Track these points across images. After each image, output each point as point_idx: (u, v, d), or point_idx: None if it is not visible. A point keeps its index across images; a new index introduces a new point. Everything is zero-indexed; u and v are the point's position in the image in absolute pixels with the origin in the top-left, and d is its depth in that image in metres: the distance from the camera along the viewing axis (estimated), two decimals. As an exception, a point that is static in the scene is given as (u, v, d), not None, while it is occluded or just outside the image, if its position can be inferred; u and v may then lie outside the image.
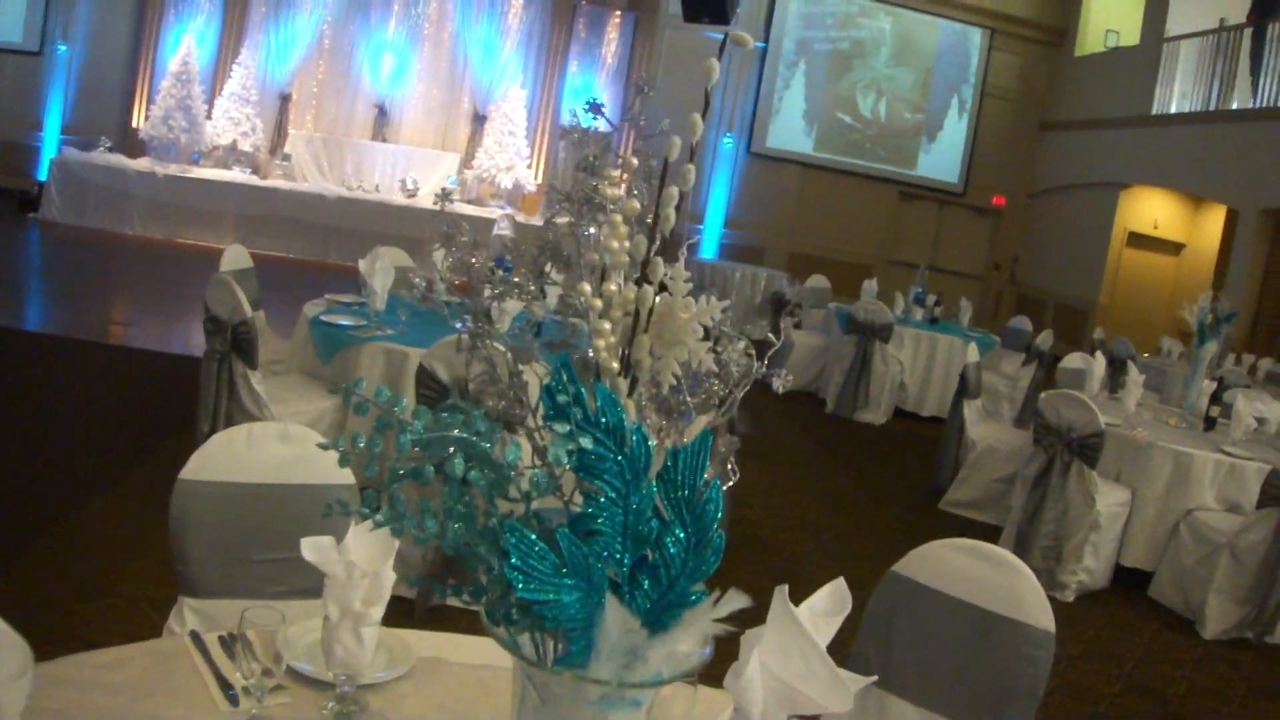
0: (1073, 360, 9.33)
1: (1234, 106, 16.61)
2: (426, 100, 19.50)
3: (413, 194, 17.55)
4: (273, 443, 2.76)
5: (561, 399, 1.31)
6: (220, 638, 2.12)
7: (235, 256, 6.66)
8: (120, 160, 17.20)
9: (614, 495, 1.29)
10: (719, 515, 1.31)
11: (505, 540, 1.26)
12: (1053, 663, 2.69)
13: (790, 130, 20.68)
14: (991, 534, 7.24)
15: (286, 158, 18.33)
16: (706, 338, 1.41)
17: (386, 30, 19.34)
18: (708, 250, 20.15)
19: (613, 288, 1.44)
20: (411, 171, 18.06)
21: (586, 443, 1.28)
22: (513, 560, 1.25)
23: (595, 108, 1.47)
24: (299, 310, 6.15)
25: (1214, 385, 8.08)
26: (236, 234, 16.33)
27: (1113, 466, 7.06)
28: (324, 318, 5.81)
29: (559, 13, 19.37)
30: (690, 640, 1.30)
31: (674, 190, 1.44)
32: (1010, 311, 19.96)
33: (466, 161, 18.88)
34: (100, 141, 17.79)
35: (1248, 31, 16.35)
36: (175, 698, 1.90)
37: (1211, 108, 17.07)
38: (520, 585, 1.25)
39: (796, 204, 20.64)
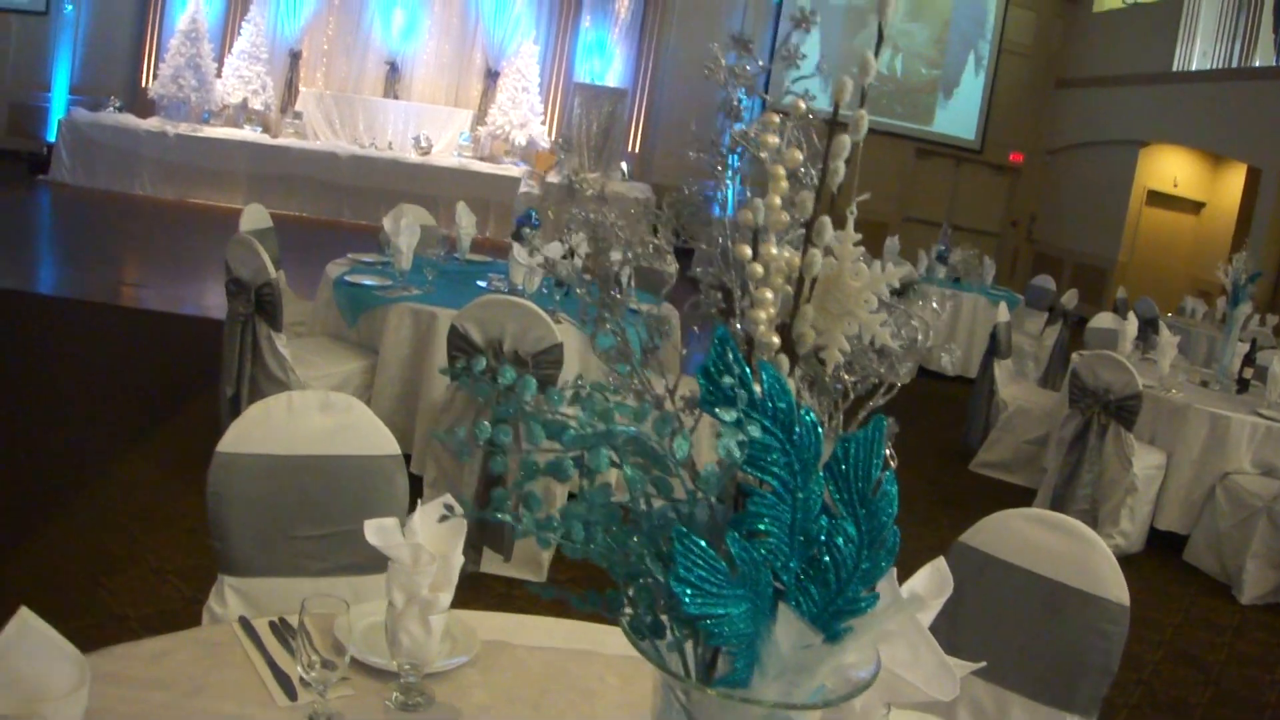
0: (1102, 320, 9.20)
1: (1256, 64, 16.40)
2: (438, 56, 19.33)
3: (426, 151, 17.43)
4: (313, 412, 2.62)
5: (727, 381, 1.12)
6: (271, 624, 1.99)
7: (254, 216, 6.53)
8: (130, 120, 17.08)
9: (781, 490, 1.11)
10: (894, 510, 1.15)
11: (671, 548, 1.08)
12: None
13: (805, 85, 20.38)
14: (1024, 496, 7.16)
15: (298, 116, 18.19)
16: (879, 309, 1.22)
17: (397, -15, 19.20)
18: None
19: (773, 251, 1.23)
20: (424, 129, 17.90)
21: (754, 431, 1.10)
22: (680, 571, 1.07)
23: (742, 43, 1.27)
24: (316, 271, 6.03)
25: (1246, 347, 7.95)
26: (248, 193, 16.26)
27: (1148, 429, 6.94)
28: (348, 278, 5.68)
29: (571, -35, 19.25)
30: (859, 651, 1.15)
31: (845, 139, 1.24)
32: (1028, 269, 19.82)
33: (480, 118, 18.74)
34: (109, 101, 17.67)
35: (1271, -13, 16.14)
36: (228, 692, 1.76)
37: (1233, 65, 16.87)
38: (688, 599, 1.07)
39: (814, 165, 20.41)
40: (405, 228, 5.64)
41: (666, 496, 1.14)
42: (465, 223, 6.79)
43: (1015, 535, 2.70)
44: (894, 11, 1.18)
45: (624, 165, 17.82)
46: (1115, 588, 2.58)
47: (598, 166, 17.30)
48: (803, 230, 1.24)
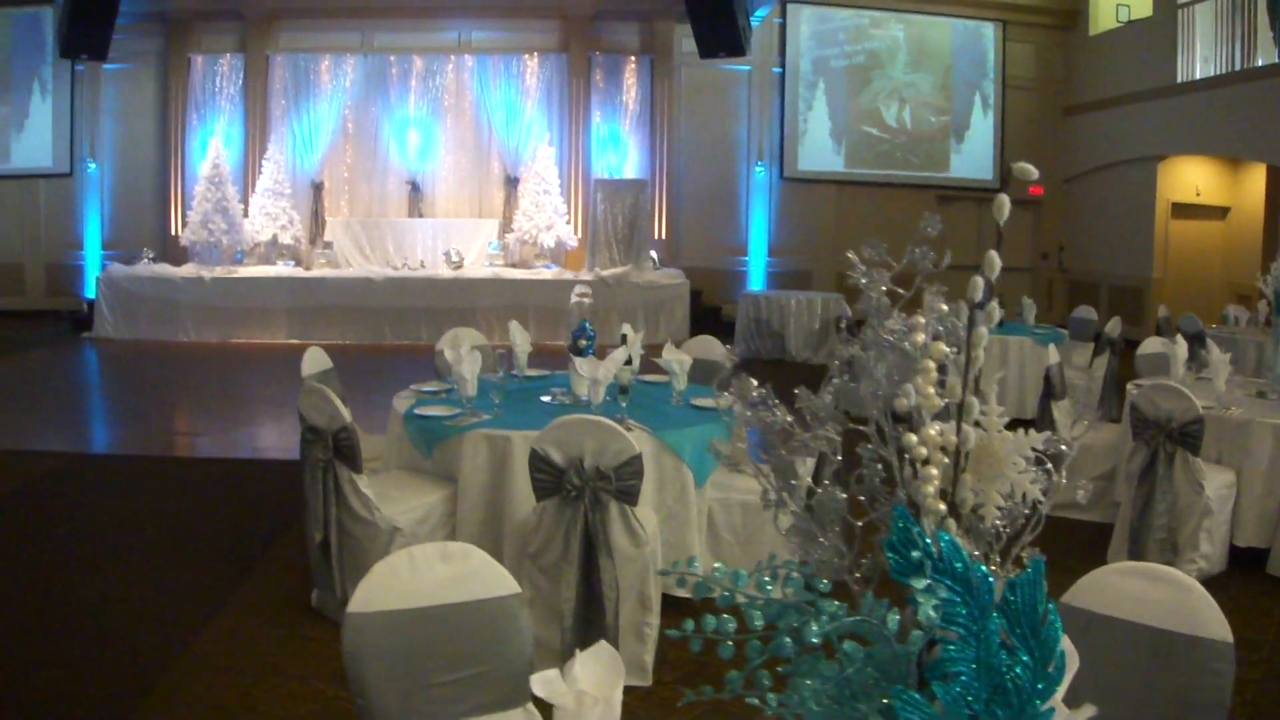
0: (1150, 345, 9.22)
1: (1259, 64, 16.48)
2: (457, 170, 19.77)
3: (458, 265, 17.67)
4: (435, 564, 2.76)
5: (915, 554, 1.28)
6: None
7: (315, 360, 6.70)
8: (165, 269, 17.54)
9: (966, 635, 1.27)
10: (1060, 636, 1.29)
11: (897, 710, 1.23)
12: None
13: (820, 150, 20.71)
14: (1099, 532, 7.19)
15: (328, 245, 18.53)
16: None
17: (408, 107, 19.70)
18: (755, 282, 20.20)
19: (931, 432, 1.41)
20: (453, 243, 18.19)
21: (942, 593, 1.25)
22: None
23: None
24: (375, 400, 6.14)
25: (1294, 353, 7.96)
26: (289, 328, 16.70)
27: (1213, 449, 6.96)
28: (418, 411, 5.81)
29: (575, 66, 19.54)
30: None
31: (983, 331, 1.42)
32: (1064, 299, 19.86)
33: (505, 226, 19.05)
34: (142, 253, 18.19)
35: (1263, -14, 16.23)
36: None
37: (1237, 68, 16.96)
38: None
39: (836, 223, 20.66)
40: (467, 356, 5.78)
41: (879, 667, 1.28)
42: (520, 340, 6.93)
43: (1113, 590, 2.78)
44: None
45: (653, 254, 17.96)
46: (1218, 627, 2.65)
47: (628, 258, 17.44)
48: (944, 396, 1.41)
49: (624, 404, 5.61)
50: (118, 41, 18.66)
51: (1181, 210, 19.21)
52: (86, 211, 20.27)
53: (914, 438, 1.41)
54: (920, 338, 1.46)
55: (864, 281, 1.48)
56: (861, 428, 1.50)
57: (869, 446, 1.44)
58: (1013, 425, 1.46)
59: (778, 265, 20.43)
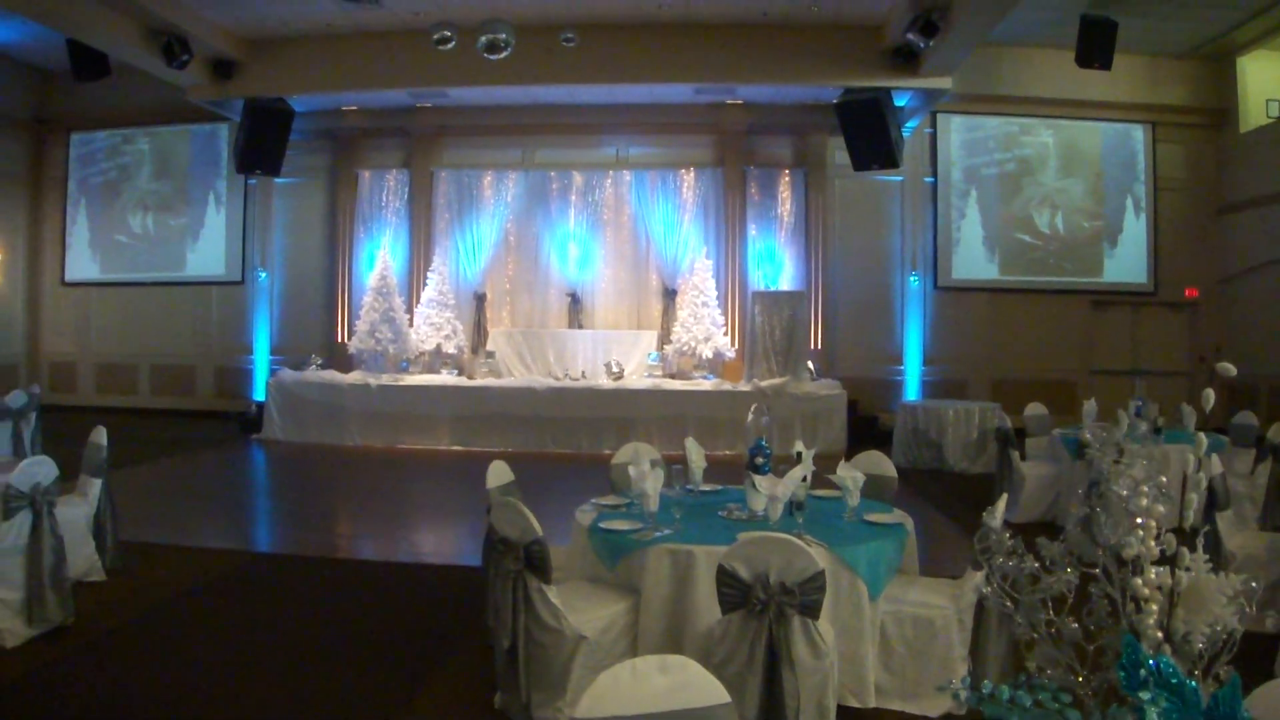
0: (1316, 451, 9.15)
1: None
2: (616, 282, 20.20)
3: (619, 376, 17.94)
4: (654, 675, 3.04)
5: (1142, 672, 1.60)
6: None
7: (499, 473, 6.98)
8: (333, 376, 18.26)
9: None
10: None
11: None
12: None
13: (973, 258, 20.78)
14: (1267, 643, 7.17)
15: (490, 355, 19.02)
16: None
17: (568, 221, 20.24)
18: (911, 390, 20.24)
19: (1151, 576, 1.76)
20: (612, 354, 18.53)
21: (1163, 704, 1.56)
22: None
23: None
24: (540, 510, 6.20)
25: None
26: (452, 435, 17.18)
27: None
28: (602, 525, 6.13)
29: (730, 180, 19.92)
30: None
31: (1193, 496, 1.76)
32: (1223, 403, 19.58)
33: (664, 337, 19.34)
34: (311, 359, 18.99)
35: None
36: None
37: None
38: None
39: (991, 331, 20.63)
40: (652, 475, 6.07)
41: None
42: (695, 457, 7.19)
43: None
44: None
45: (810, 364, 18.03)
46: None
47: (785, 369, 17.58)
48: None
49: (800, 520, 5.82)
50: (289, 157, 19.66)
51: (1345, 306, 18.89)
52: (256, 318, 21.39)
53: (1138, 581, 1.76)
54: (1143, 501, 1.79)
55: (1095, 450, 1.87)
56: (1091, 571, 1.86)
57: (1100, 589, 1.80)
58: (1177, 534, 1.81)
59: (933, 373, 20.47)
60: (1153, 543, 1.78)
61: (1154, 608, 1.79)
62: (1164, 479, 1.83)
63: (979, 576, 5.67)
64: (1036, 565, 1.88)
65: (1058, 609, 1.92)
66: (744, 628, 4.87)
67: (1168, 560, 1.80)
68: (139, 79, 18.47)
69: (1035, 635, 1.81)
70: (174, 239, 22.18)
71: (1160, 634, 1.77)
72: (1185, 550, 1.76)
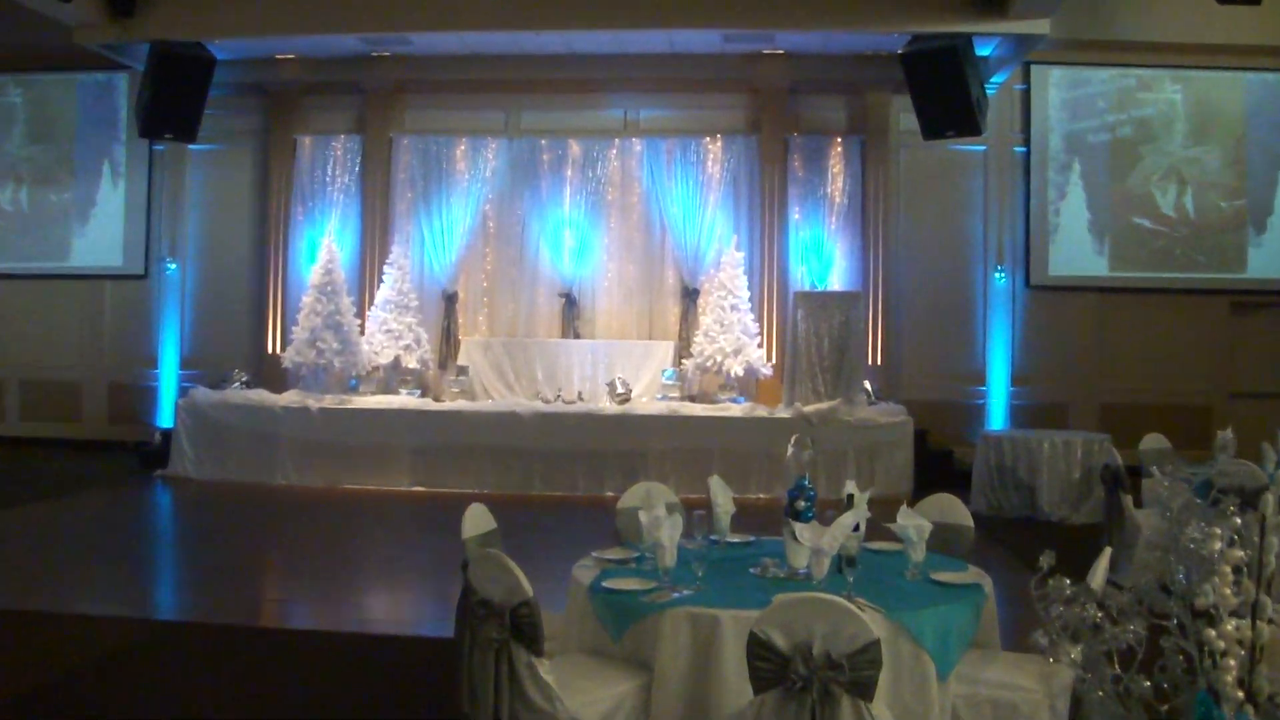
0: None
1: None
2: (622, 280, 20.04)
3: (625, 398, 17.65)
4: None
5: None
6: None
7: (477, 519, 6.94)
8: (263, 396, 18.14)
9: None
10: None
11: None
12: None
13: (1076, 250, 20.49)
14: None
15: (462, 371, 18.90)
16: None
17: (562, 202, 20.02)
18: (996, 419, 19.96)
19: (1229, 628, 1.96)
20: (617, 370, 18.34)
21: None
22: None
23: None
24: (527, 567, 6.19)
25: None
26: (413, 472, 17.16)
27: None
28: (606, 584, 6.19)
29: (767, 151, 19.72)
30: None
31: (1274, 540, 1.96)
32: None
33: (683, 349, 19.10)
34: (233, 375, 18.77)
35: None
36: None
37: None
38: None
39: (1098, 342, 20.33)
40: (669, 521, 6.12)
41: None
42: (722, 500, 7.22)
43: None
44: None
45: (867, 384, 17.82)
46: None
47: (835, 391, 17.20)
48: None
49: (850, 578, 5.86)
50: (209, 118, 19.12)
51: None
52: (163, 322, 21.02)
53: (1213, 632, 1.97)
54: (1217, 545, 2.00)
55: (1165, 488, 2.09)
56: (1163, 622, 2.07)
57: (1174, 641, 2.00)
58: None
59: (1024, 397, 20.16)
60: (1228, 590, 1.99)
61: (1233, 663, 1.99)
62: (1239, 520, 1.99)
63: (1076, 651, 5.77)
64: (1101, 615, 2.08)
65: (1125, 665, 2.12)
66: (781, 710, 4.92)
67: (1248, 611, 2.00)
68: (8, 11, 17.26)
69: (1100, 693, 2.02)
70: (56, 219, 21.66)
71: (1241, 693, 1.98)
72: (1267, 599, 1.95)
